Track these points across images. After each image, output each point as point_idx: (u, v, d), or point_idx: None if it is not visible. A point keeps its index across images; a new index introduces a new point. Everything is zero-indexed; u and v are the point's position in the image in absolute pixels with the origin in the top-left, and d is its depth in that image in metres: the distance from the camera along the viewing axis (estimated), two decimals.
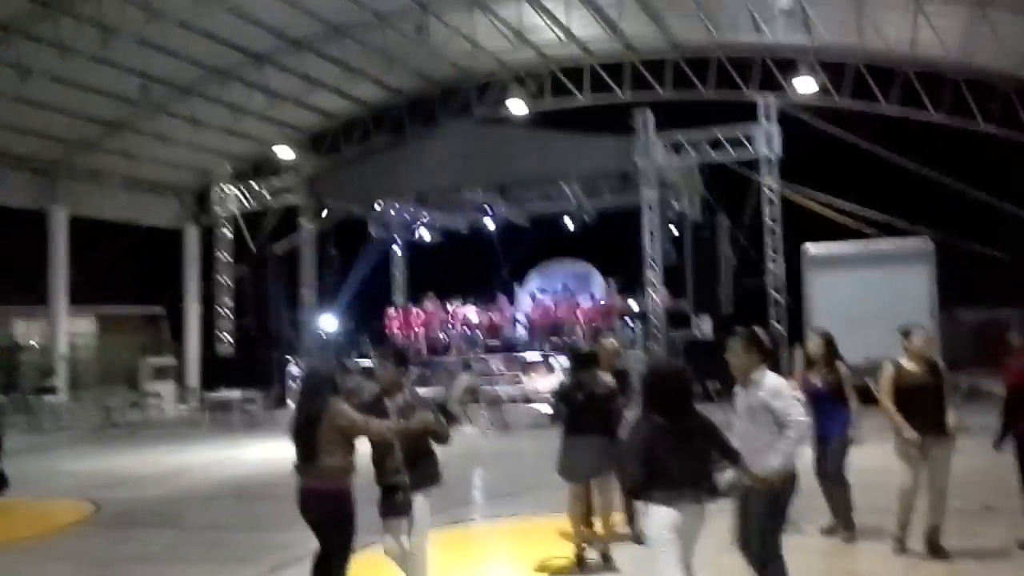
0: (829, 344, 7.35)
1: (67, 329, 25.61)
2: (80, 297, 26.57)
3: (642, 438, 4.68)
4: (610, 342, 8.03)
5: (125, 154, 24.09)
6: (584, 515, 6.87)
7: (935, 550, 6.52)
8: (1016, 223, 19.48)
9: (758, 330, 5.39)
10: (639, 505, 6.12)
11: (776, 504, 5.08)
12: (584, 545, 6.89)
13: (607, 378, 6.90)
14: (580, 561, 6.84)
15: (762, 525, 5.08)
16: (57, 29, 17.49)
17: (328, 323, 25.70)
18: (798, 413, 5.06)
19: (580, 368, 7.08)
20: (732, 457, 4.83)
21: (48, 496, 11.33)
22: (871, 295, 16.64)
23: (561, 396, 7.08)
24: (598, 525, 6.97)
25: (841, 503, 7.17)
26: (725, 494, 4.82)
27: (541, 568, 6.96)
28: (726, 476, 4.89)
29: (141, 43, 19.06)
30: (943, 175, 20.18)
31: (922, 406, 6.50)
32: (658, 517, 4.55)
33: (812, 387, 7.26)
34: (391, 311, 24.56)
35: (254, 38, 20.93)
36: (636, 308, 21.57)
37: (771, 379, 5.16)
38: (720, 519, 5.17)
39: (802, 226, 20.14)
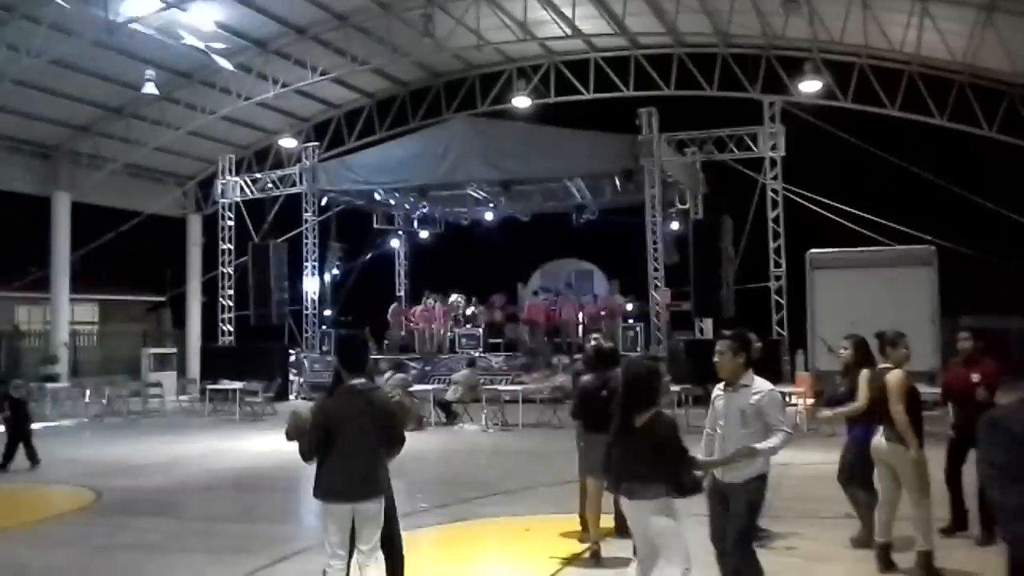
0: (859, 349, 7.14)
1: (69, 316, 25.63)
2: (82, 284, 26.60)
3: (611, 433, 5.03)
4: (597, 341, 7.98)
5: (128, 140, 24.08)
6: (601, 510, 6.98)
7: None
8: (1020, 231, 19.44)
9: (747, 333, 5.39)
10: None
11: (753, 507, 5.15)
12: (599, 541, 6.95)
13: None
14: (595, 556, 6.91)
15: (740, 527, 5.11)
16: (61, 12, 17.47)
17: (330, 314, 25.78)
18: (786, 425, 5.10)
19: (604, 366, 7.11)
20: (686, 463, 4.92)
21: (49, 482, 11.40)
22: (874, 301, 16.65)
23: (584, 394, 7.11)
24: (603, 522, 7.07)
25: (861, 511, 7.07)
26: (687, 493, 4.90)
27: (557, 561, 7.01)
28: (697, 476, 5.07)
29: (145, 28, 19.03)
30: (948, 181, 20.15)
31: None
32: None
33: (837, 394, 7.22)
34: (393, 306, 24.56)
35: (257, 25, 20.90)
36: (638, 308, 21.58)
37: (761, 384, 5.18)
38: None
39: (805, 229, 20.14)
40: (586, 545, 7.19)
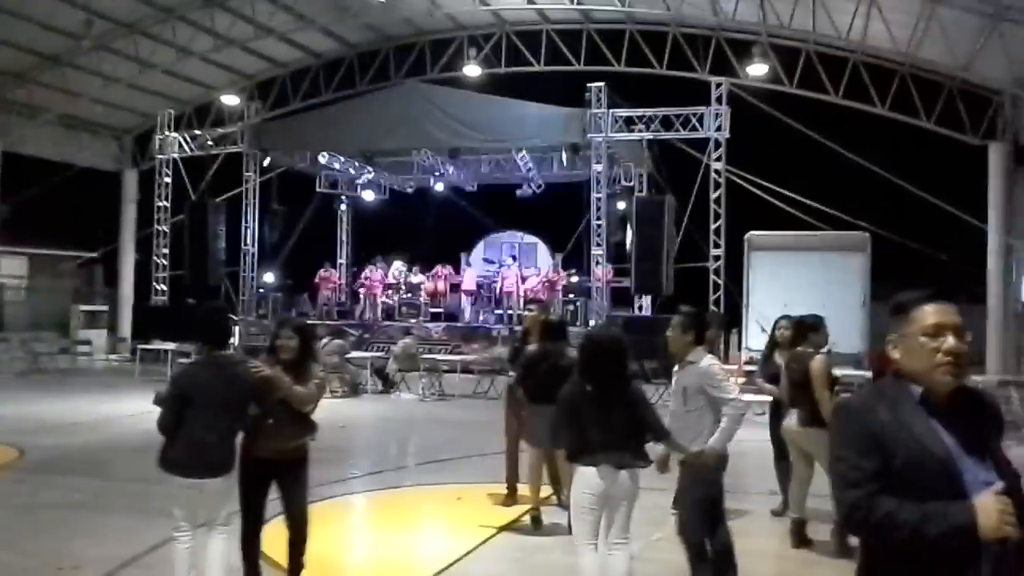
0: (798, 331, 7.08)
1: None
2: (12, 237, 25.80)
3: (569, 402, 4.87)
4: (533, 313, 8.00)
5: (64, 90, 23.32)
6: (542, 479, 7.13)
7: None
8: (954, 223, 19.97)
9: (700, 312, 5.46)
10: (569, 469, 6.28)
11: (708, 484, 5.16)
12: (539, 507, 7.06)
13: (572, 352, 6.80)
14: (536, 521, 7.02)
15: (698, 507, 5.15)
16: None
17: (268, 278, 25.42)
18: (735, 393, 5.12)
19: (549, 339, 7.14)
20: (659, 433, 4.96)
21: None
22: (808, 283, 17.07)
23: (526, 365, 7.16)
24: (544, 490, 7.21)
25: (786, 486, 7.19)
26: (648, 465, 4.91)
27: (495, 527, 7.09)
28: (657, 449, 5.12)
29: None
30: (885, 169, 20.58)
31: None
32: (580, 481, 4.75)
33: (773, 370, 7.36)
34: (322, 271, 24.24)
35: None
36: (578, 282, 21.72)
37: (706, 361, 5.20)
38: (652, 497, 5.27)
39: (745, 211, 20.42)
40: (512, 510, 7.32)
